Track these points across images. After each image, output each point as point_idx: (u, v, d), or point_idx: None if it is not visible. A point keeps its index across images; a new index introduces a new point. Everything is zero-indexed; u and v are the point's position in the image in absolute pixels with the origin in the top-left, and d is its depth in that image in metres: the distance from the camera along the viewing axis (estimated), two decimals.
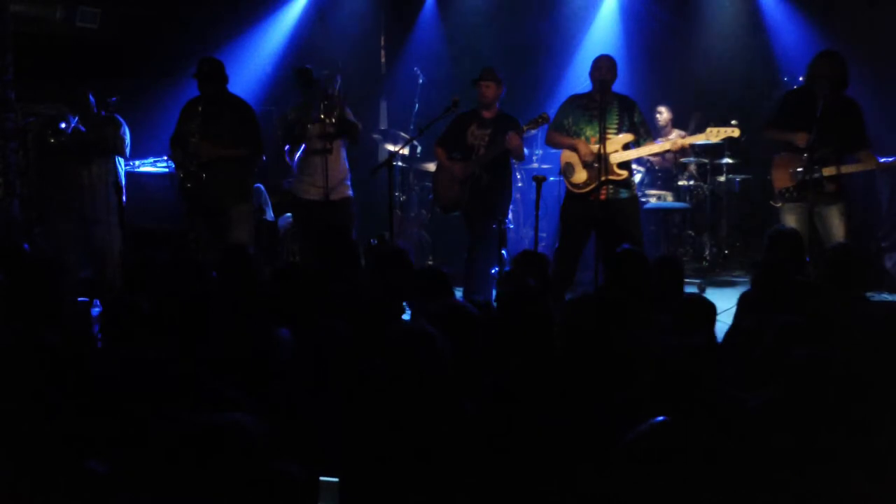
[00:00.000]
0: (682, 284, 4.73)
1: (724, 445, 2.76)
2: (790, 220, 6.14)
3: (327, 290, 4.39)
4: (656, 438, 2.67)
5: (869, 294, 4.90)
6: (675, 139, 6.66)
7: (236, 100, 6.68)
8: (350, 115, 6.73)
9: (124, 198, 6.69)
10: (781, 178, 6.24)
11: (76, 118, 6.50)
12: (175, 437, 2.36)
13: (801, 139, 6.09)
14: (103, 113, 6.72)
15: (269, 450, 2.36)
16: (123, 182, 6.72)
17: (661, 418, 2.70)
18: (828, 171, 6.07)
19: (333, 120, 6.50)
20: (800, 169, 6.10)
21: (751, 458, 2.76)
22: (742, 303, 4.61)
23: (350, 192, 6.80)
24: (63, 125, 6.43)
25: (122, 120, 6.68)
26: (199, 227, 6.64)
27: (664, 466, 2.67)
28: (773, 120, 6.41)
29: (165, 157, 7.28)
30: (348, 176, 6.81)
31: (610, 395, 3.14)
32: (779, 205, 6.26)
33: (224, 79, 6.58)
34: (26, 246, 5.04)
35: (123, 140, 6.68)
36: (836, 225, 6.13)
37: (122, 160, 6.75)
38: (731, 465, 2.71)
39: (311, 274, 4.45)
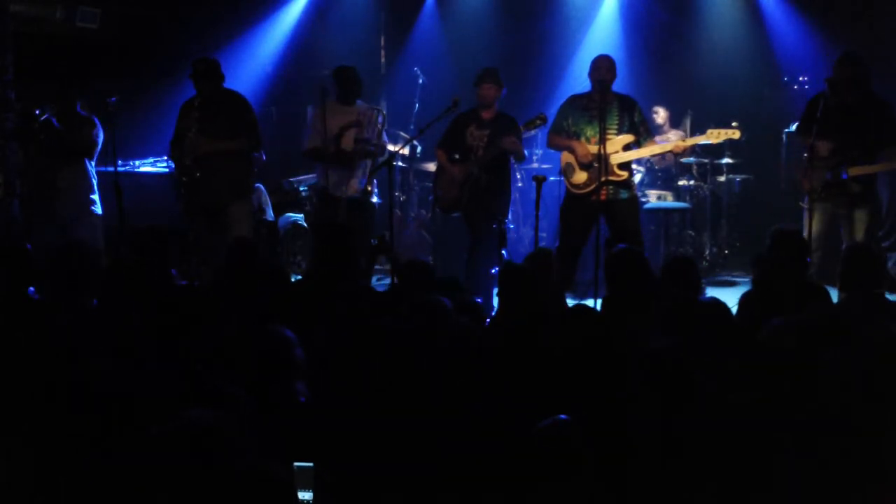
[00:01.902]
0: (698, 283, 4.71)
1: (720, 444, 2.77)
2: (816, 221, 6.17)
3: (325, 289, 4.39)
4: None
5: None
6: (677, 141, 6.65)
7: (233, 95, 6.67)
8: (384, 139, 6.92)
9: (97, 196, 6.79)
10: (809, 180, 6.24)
11: (50, 112, 6.57)
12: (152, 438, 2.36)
13: (822, 148, 6.13)
14: (83, 113, 6.76)
15: (242, 447, 2.35)
16: (95, 181, 6.79)
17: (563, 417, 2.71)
18: (853, 171, 6.09)
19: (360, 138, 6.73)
20: (827, 171, 6.13)
21: (746, 457, 2.76)
22: (744, 303, 4.61)
23: (373, 196, 6.88)
24: (38, 112, 6.51)
25: (97, 122, 6.72)
26: (199, 225, 6.63)
27: (661, 464, 2.67)
28: (799, 125, 6.51)
29: (165, 157, 7.29)
30: (365, 175, 6.88)
31: (606, 394, 3.14)
32: (807, 206, 6.26)
33: (220, 77, 6.57)
34: (29, 246, 5.03)
35: (95, 143, 6.75)
36: (858, 230, 6.17)
37: (92, 163, 6.82)
38: (725, 463, 2.72)
39: (310, 273, 4.46)
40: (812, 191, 6.21)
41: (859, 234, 6.14)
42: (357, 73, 6.92)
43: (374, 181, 6.87)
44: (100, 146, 6.78)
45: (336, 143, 6.76)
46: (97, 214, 6.83)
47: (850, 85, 6.12)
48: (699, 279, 4.77)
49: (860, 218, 6.18)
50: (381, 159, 6.76)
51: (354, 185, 6.77)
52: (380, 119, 6.82)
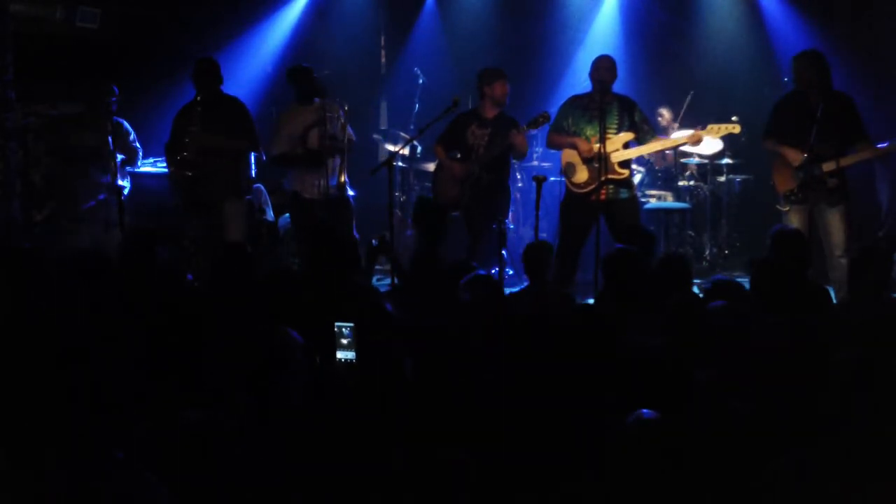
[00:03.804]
0: (689, 282, 4.73)
1: (712, 445, 2.77)
2: (795, 222, 6.12)
3: (323, 291, 4.39)
4: (647, 436, 2.68)
5: None
6: (692, 134, 6.54)
7: (231, 99, 6.73)
8: (350, 132, 6.82)
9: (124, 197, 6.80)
10: (783, 181, 6.22)
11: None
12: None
13: (793, 156, 6.09)
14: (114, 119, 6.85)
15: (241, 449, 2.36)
16: (120, 183, 6.83)
17: (646, 412, 2.71)
18: (827, 167, 6.05)
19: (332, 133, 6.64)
20: (799, 169, 6.10)
21: (745, 457, 2.76)
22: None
23: (347, 190, 6.83)
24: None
25: (125, 124, 6.78)
26: (195, 225, 6.65)
27: (654, 465, 2.67)
28: (768, 130, 6.38)
29: (163, 159, 7.31)
30: (345, 175, 6.84)
31: (601, 395, 3.14)
32: (786, 209, 6.22)
33: (219, 79, 6.61)
34: (28, 245, 5.05)
35: (138, 152, 6.98)
36: (836, 228, 6.11)
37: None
38: (718, 464, 2.72)
39: (308, 275, 4.45)
40: (788, 193, 6.18)
41: (836, 234, 6.11)
42: (311, 73, 6.87)
43: (346, 176, 6.84)
44: (140, 150, 6.99)
45: (302, 143, 6.74)
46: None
47: (812, 84, 6.08)
48: (691, 277, 4.80)
49: (835, 217, 6.12)
50: (383, 163, 6.71)
51: (323, 185, 6.69)
52: (342, 113, 6.77)
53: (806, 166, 6.05)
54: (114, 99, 6.81)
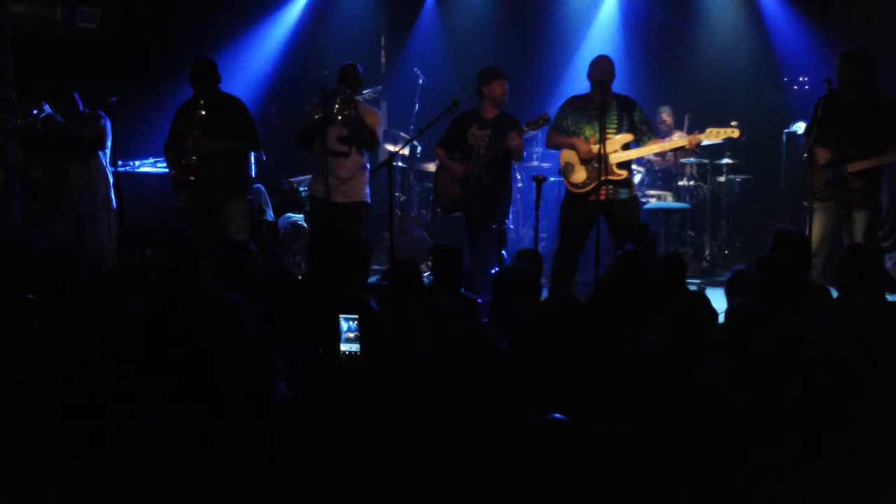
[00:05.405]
0: (683, 282, 4.75)
1: (717, 443, 2.76)
2: (818, 219, 6.15)
3: (323, 293, 4.38)
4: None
5: None
6: (691, 137, 6.53)
7: (231, 98, 6.72)
8: (378, 132, 6.73)
9: (113, 194, 6.76)
10: (815, 178, 6.24)
11: (51, 108, 6.60)
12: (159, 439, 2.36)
13: (820, 154, 6.13)
14: (87, 111, 6.80)
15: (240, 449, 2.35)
16: (111, 177, 6.78)
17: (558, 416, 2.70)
18: (853, 167, 6.07)
19: (349, 117, 6.51)
20: (826, 168, 6.13)
21: (737, 457, 2.76)
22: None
23: (363, 197, 6.77)
24: (35, 112, 6.55)
25: (103, 114, 6.76)
26: (197, 225, 6.64)
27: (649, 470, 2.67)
28: (807, 127, 6.45)
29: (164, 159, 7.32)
30: (364, 180, 6.80)
31: (602, 399, 3.14)
32: (815, 205, 6.23)
33: (217, 78, 6.61)
34: (26, 246, 5.05)
35: (104, 133, 6.77)
36: (858, 230, 6.14)
37: (106, 156, 6.82)
38: (718, 463, 2.72)
39: (309, 277, 4.45)
40: (815, 190, 6.20)
41: (858, 235, 6.14)
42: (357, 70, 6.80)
43: (367, 184, 6.80)
44: (109, 136, 6.81)
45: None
46: (113, 210, 6.83)
47: (852, 84, 6.11)
48: (684, 277, 4.83)
49: (860, 218, 6.16)
50: (383, 163, 6.68)
51: (326, 184, 6.61)
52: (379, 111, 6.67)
53: (833, 166, 6.09)
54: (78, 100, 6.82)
